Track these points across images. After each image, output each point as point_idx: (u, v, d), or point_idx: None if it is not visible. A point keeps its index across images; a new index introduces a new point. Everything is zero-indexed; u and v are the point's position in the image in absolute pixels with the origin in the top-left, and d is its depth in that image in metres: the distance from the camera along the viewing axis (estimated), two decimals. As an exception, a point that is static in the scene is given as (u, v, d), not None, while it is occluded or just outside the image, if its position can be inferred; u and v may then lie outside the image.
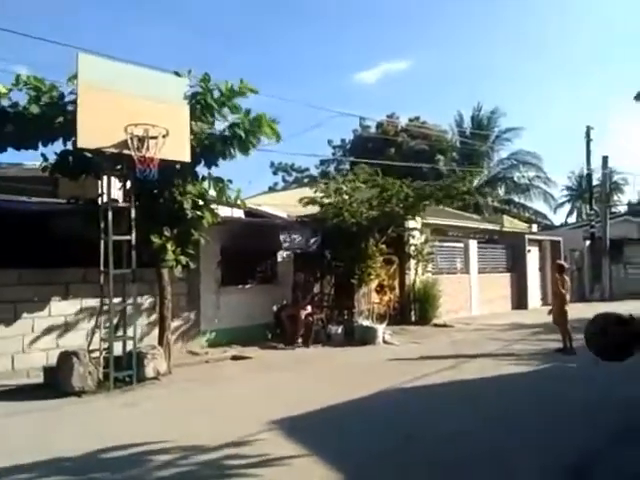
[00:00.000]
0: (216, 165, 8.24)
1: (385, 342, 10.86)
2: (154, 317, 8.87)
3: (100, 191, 7.53)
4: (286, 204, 12.50)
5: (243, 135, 7.95)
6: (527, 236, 19.46)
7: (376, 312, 12.42)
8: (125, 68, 7.48)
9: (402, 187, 12.21)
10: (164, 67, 8.08)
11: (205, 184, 8.23)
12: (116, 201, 7.59)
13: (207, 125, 7.98)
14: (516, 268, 18.90)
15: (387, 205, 12.00)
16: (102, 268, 7.16)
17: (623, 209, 32.52)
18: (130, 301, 7.53)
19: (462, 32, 53.39)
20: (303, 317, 10.69)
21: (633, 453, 4.36)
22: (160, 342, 7.93)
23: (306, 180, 31.82)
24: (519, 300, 18.65)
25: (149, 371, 7.36)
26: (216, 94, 7.91)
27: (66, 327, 8.42)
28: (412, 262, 13.90)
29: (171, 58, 43.37)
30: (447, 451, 4.51)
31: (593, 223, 22.88)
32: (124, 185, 7.78)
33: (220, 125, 8.14)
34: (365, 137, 32.55)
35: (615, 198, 36.09)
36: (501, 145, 31.85)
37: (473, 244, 17.28)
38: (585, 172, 26.33)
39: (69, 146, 7.36)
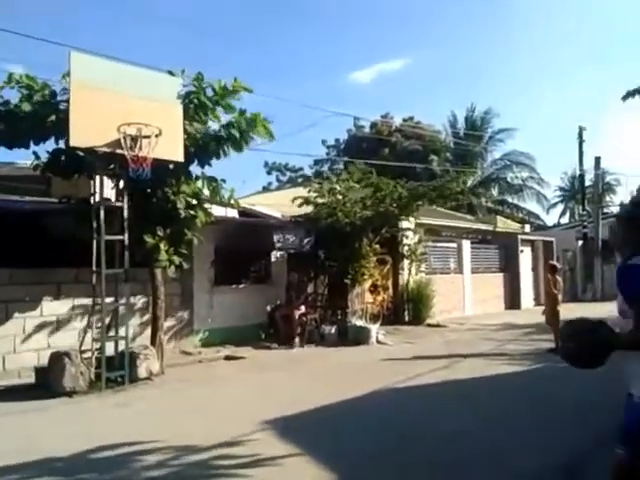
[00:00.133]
0: (209, 165, 8.22)
1: (378, 342, 10.87)
2: (147, 317, 8.83)
3: (92, 190, 7.49)
4: (280, 204, 12.48)
5: (238, 135, 7.93)
6: (520, 236, 19.55)
7: (370, 312, 12.42)
8: (118, 67, 7.45)
9: (396, 187, 12.23)
10: (163, 67, 8.05)
11: (199, 183, 8.21)
12: (109, 200, 7.55)
13: (201, 125, 7.95)
14: (509, 268, 18.98)
15: (381, 205, 12.01)
16: (94, 268, 7.12)
17: (615, 210, 32.75)
18: (123, 301, 7.50)
19: (456, 32, 53.61)
20: (297, 317, 10.68)
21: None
22: (153, 342, 7.90)
23: (300, 180, 31.80)
24: (512, 300, 18.73)
25: (141, 371, 7.33)
26: (209, 93, 7.89)
27: (58, 327, 8.36)
28: (406, 262, 13.93)
29: (170, 58, 43.17)
30: (441, 451, 4.52)
31: (585, 224, 23.02)
32: (117, 184, 7.74)
33: (214, 125, 8.14)
34: (359, 137, 32.58)
35: (607, 199, 36.31)
36: (494, 146, 32.00)
37: (466, 244, 17.33)
38: (578, 173, 26.46)
39: (61, 145, 7.32)
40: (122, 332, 7.38)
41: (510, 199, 32.32)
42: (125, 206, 7.33)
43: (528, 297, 19.44)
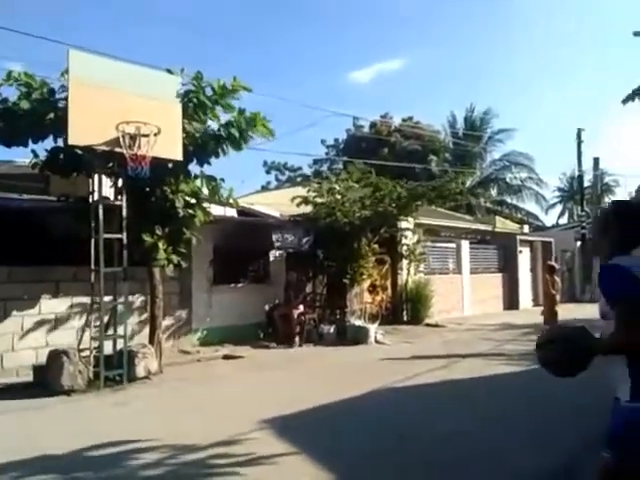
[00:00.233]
0: (209, 164, 8.22)
1: (377, 342, 10.88)
2: (145, 316, 8.83)
3: (91, 189, 7.48)
4: (279, 203, 12.49)
5: (237, 135, 7.93)
6: (519, 237, 19.57)
7: (368, 312, 12.44)
8: (117, 65, 7.44)
9: (395, 187, 12.23)
10: (163, 66, 8.03)
11: (198, 182, 8.20)
12: (107, 199, 7.54)
13: (200, 124, 7.95)
14: (508, 269, 18.99)
15: (380, 205, 12.01)
16: (93, 266, 7.11)
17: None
18: (121, 300, 7.49)
19: (455, 33, 53.65)
20: (295, 316, 10.68)
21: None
22: (151, 341, 7.90)
23: (299, 179, 31.79)
24: (510, 300, 18.74)
25: (140, 370, 7.32)
26: (209, 92, 7.88)
27: (56, 325, 8.36)
28: (404, 262, 13.94)
29: (170, 58, 43.11)
30: (439, 451, 4.52)
31: (584, 224, 23.03)
32: (115, 183, 7.73)
33: (213, 124, 8.13)
34: (358, 137, 32.57)
35: (606, 200, 36.27)
36: (494, 146, 32.02)
37: (465, 244, 17.34)
38: (576, 174, 26.49)
39: (60, 143, 7.31)
40: (120, 331, 7.38)
41: (509, 199, 32.35)
42: (124, 205, 7.33)
43: (526, 297, 19.46)
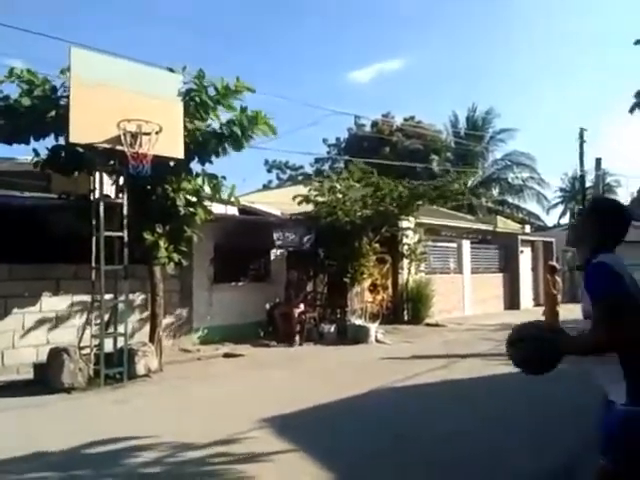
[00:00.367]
0: (210, 162, 8.21)
1: (377, 341, 10.88)
2: (146, 314, 8.83)
3: (92, 187, 7.49)
4: (280, 202, 12.48)
5: (239, 133, 7.92)
6: (520, 237, 19.54)
7: (369, 311, 12.43)
8: (118, 63, 7.43)
9: (396, 186, 12.23)
10: (159, 65, 8.04)
11: (199, 180, 8.20)
12: (108, 197, 7.54)
13: (202, 122, 7.94)
14: (509, 268, 18.97)
15: (381, 204, 12.00)
16: (94, 264, 7.12)
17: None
18: (122, 298, 7.49)
19: (455, 32, 53.53)
20: (296, 315, 10.68)
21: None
22: (151, 339, 7.91)
23: (300, 178, 31.78)
24: (511, 300, 18.72)
25: (140, 368, 7.33)
26: (212, 92, 7.88)
27: (57, 323, 8.36)
28: (405, 261, 13.93)
29: (170, 57, 43.10)
30: (439, 451, 4.52)
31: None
32: (117, 181, 7.74)
33: (215, 123, 8.13)
34: (360, 136, 32.54)
35: (608, 200, 36.21)
36: (495, 146, 31.98)
37: (466, 244, 17.32)
38: (578, 174, 26.44)
39: (61, 141, 7.31)
40: (121, 329, 7.38)
41: (510, 199, 32.32)
42: (125, 203, 7.33)
43: (527, 297, 19.43)
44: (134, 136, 6.88)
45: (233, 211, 10.87)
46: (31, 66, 7.08)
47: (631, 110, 8.30)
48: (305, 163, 36.71)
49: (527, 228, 23.10)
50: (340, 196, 12.00)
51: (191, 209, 7.98)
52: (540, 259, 20.17)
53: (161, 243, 7.61)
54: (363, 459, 4.32)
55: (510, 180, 32.07)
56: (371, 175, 12.74)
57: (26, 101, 6.87)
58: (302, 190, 12.35)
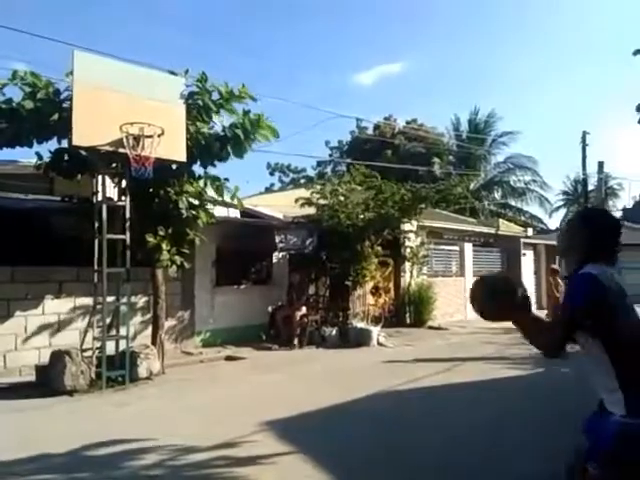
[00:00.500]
0: (213, 165, 8.23)
1: (379, 344, 10.86)
2: (148, 316, 8.83)
3: (95, 189, 7.50)
4: (282, 205, 12.49)
5: (242, 136, 7.93)
6: (522, 240, 19.51)
7: (371, 314, 12.42)
8: (121, 66, 7.45)
9: (399, 189, 12.23)
10: (162, 67, 8.08)
11: (201, 183, 8.21)
12: (111, 200, 7.56)
13: (205, 124, 7.95)
14: (511, 271, 18.88)
15: (383, 207, 12.00)
16: (96, 267, 7.13)
17: (619, 214, 32.64)
18: (124, 300, 7.50)
19: (459, 35, 53.46)
20: (298, 318, 10.67)
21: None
22: (153, 342, 7.91)
23: (303, 181, 31.80)
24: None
25: (142, 371, 7.34)
26: (215, 96, 7.90)
27: (59, 326, 8.38)
28: (407, 264, 13.92)
29: (170, 58, 43.28)
30: (440, 455, 4.51)
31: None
32: (119, 184, 7.75)
33: (217, 126, 8.15)
34: (362, 139, 32.58)
35: (610, 203, 36.13)
36: (498, 149, 31.95)
37: (468, 247, 17.30)
38: (581, 177, 26.41)
39: (64, 144, 7.33)
40: (123, 331, 7.38)
41: (513, 202, 32.23)
42: (127, 205, 7.34)
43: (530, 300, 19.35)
44: (136, 139, 6.89)
45: (235, 214, 10.89)
46: (32, 68, 7.11)
47: None
48: (307, 166, 36.82)
49: (529, 231, 23.03)
50: (342, 199, 12.01)
51: (193, 212, 7.99)
52: (542, 262, 20.14)
53: (163, 246, 7.61)
54: (364, 462, 4.31)
55: (512, 183, 32.00)
56: (373, 179, 12.75)
57: (29, 104, 6.90)
58: (304, 193, 12.36)
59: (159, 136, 6.95)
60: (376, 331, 11.05)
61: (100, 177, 7.40)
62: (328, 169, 34.15)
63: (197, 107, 7.86)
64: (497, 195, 32.43)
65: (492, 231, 18.74)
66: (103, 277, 7.04)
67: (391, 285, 14.17)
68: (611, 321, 1.95)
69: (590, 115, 54.32)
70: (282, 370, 8.42)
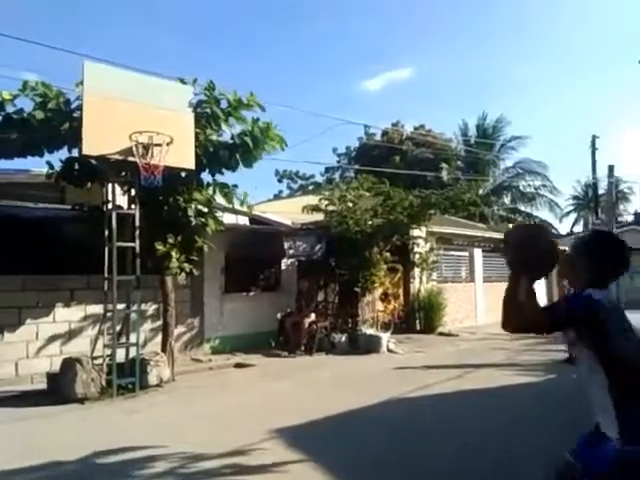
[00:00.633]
0: (221, 173, 8.27)
1: (389, 351, 10.81)
2: (158, 324, 8.87)
3: (105, 198, 7.57)
4: (291, 211, 12.52)
5: (251, 144, 7.96)
6: (532, 245, 19.35)
7: (380, 320, 12.38)
8: (130, 76, 7.52)
9: (407, 196, 12.21)
10: (168, 75, 8.16)
11: (210, 190, 8.25)
12: (121, 208, 7.61)
13: (214, 132, 7.99)
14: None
15: (391, 213, 11.99)
16: (106, 274, 7.17)
17: (630, 218, 32.35)
18: (134, 308, 7.53)
19: (466, 40, 53.56)
20: (307, 325, 10.66)
21: None
22: (163, 349, 7.93)
23: (311, 187, 31.86)
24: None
25: (152, 378, 7.35)
26: (223, 104, 7.95)
27: (70, 333, 8.43)
28: (417, 270, 13.86)
29: (176, 65, 43.68)
30: (450, 463, 4.46)
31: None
32: (129, 192, 7.81)
33: (225, 134, 8.19)
34: (370, 145, 32.61)
35: (621, 207, 35.87)
36: (507, 154, 31.81)
37: (478, 253, 17.21)
38: (591, 181, 26.23)
39: (74, 153, 7.41)
40: (133, 339, 7.41)
41: (522, 207, 32.05)
42: (137, 213, 7.38)
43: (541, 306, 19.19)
44: (146, 147, 6.95)
45: (244, 221, 10.92)
46: (42, 78, 7.19)
47: None
48: (316, 172, 36.87)
49: (540, 236, 22.86)
50: (350, 205, 12.01)
51: (202, 219, 8.03)
52: (553, 275, 19.94)
53: (173, 253, 7.65)
54: (376, 470, 4.28)
55: (522, 188, 31.83)
56: (382, 185, 12.74)
57: (40, 114, 6.98)
58: (313, 200, 12.38)
59: (168, 144, 6.99)
60: (386, 337, 11.00)
61: (110, 185, 7.46)
62: (336, 175, 34.20)
63: (205, 115, 7.91)
64: (506, 200, 32.27)
65: (502, 237, 18.62)
66: (113, 285, 7.09)
67: (400, 291, 14.12)
68: (605, 344, 1.89)
69: (599, 118, 54.08)
70: (291, 377, 8.40)
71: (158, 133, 6.96)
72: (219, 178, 8.33)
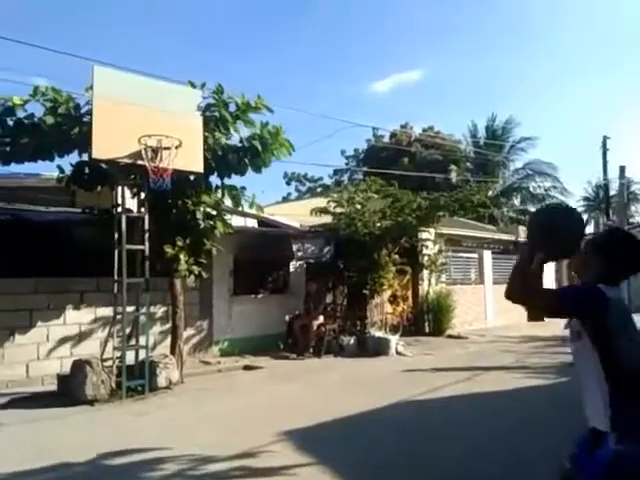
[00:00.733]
0: (229, 177, 8.30)
1: (398, 353, 10.77)
2: (167, 326, 8.91)
3: (114, 201, 7.63)
4: (299, 214, 12.54)
5: (260, 147, 7.98)
6: (543, 246, 19.21)
7: (389, 323, 12.35)
8: (139, 80, 7.57)
9: (415, 198, 12.18)
10: (174, 78, 8.20)
11: (219, 193, 8.29)
12: (130, 211, 7.67)
13: (222, 135, 8.02)
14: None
15: (400, 215, 11.97)
16: (116, 277, 7.22)
17: (640, 220, 31.99)
18: (143, 310, 7.58)
19: (474, 41, 53.29)
20: (315, 327, 10.66)
21: None
22: (172, 351, 7.97)
23: (319, 190, 31.89)
24: (535, 311, 18.35)
25: (161, 380, 7.39)
26: (232, 107, 7.98)
27: (80, 336, 8.50)
28: (425, 272, 13.81)
29: (183, 69, 43.92)
30: (458, 466, 4.44)
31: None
32: (138, 195, 7.86)
33: (234, 138, 8.22)
34: (379, 147, 32.59)
35: (633, 208, 35.49)
36: (516, 155, 31.63)
37: (488, 254, 17.13)
38: (602, 182, 26.00)
39: (84, 157, 7.47)
40: (142, 341, 7.45)
41: (532, 209, 31.82)
42: (146, 216, 7.43)
43: (551, 308, 19.05)
44: (155, 151, 6.98)
45: (252, 223, 10.95)
46: (52, 83, 7.24)
47: None
48: (324, 175, 36.92)
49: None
50: (359, 207, 12.01)
51: (211, 222, 8.06)
52: (564, 269, 19.78)
53: (181, 256, 7.69)
54: (384, 472, 4.27)
55: (532, 189, 31.61)
56: (390, 188, 12.72)
57: (50, 119, 7.04)
58: (321, 202, 12.39)
59: (177, 148, 7.03)
60: (394, 340, 10.97)
61: (120, 189, 7.52)
62: (345, 178, 34.21)
63: (214, 119, 7.95)
64: (516, 202, 32.08)
65: (512, 238, 18.52)
66: (123, 287, 7.13)
67: (409, 293, 14.07)
68: (608, 341, 1.90)
69: (610, 119, 53.57)
70: (300, 379, 8.41)
71: (167, 136, 7.00)
72: (227, 181, 8.37)
